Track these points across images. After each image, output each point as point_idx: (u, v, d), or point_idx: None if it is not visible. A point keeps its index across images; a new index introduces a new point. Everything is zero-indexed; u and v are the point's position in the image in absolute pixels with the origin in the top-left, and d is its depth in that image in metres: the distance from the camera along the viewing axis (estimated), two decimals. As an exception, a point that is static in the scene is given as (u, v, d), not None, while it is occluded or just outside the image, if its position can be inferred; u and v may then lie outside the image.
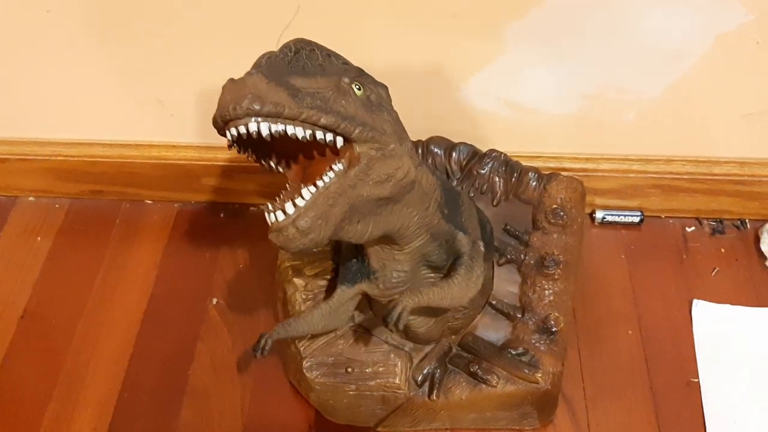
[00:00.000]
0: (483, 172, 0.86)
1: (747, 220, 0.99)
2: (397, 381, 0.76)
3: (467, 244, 0.71)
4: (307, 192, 0.57)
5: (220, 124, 0.56)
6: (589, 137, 0.93)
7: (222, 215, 1.03)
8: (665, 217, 1.00)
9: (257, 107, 0.53)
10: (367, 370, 0.76)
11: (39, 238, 1.02)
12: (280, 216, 0.56)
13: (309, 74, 0.57)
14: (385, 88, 0.65)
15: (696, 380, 0.85)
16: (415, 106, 0.90)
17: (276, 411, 0.84)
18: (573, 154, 0.94)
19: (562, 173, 0.87)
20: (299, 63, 0.58)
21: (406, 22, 0.82)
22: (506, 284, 0.82)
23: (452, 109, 0.90)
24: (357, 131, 0.58)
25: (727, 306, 0.90)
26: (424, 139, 0.89)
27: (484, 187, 0.86)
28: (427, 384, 0.77)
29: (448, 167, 0.88)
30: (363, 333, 0.78)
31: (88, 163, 1.00)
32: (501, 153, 0.87)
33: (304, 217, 0.56)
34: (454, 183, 0.87)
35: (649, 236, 0.98)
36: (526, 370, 0.76)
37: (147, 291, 0.95)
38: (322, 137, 0.56)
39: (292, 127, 0.55)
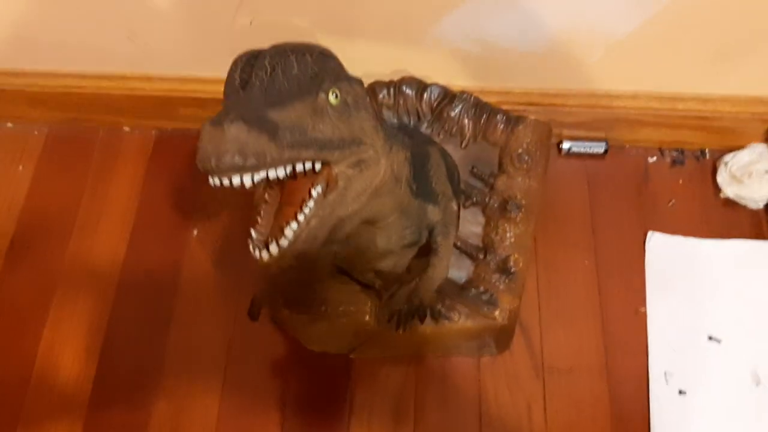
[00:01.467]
0: (453, 114, 0.89)
1: (707, 151, 1.03)
2: (366, 318, 0.82)
3: (438, 214, 0.76)
4: (290, 230, 0.58)
5: (202, 172, 0.55)
6: (558, 74, 0.94)
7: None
8: (629, 147, 1.04)
9: (240, 162, 0.52)
10: (339, 309, 0.82)
11: (20, 167, 1.04)
12: (265, 255, 0.58)
13: (286, 100, 0.57)
14: (360, 83, 0.64)
15: (643, 309, 0.92)
16: (388, 46, 0.91)
17: (258, 338, 0.90)
18: (542, 90, 0.96)
19: (530, 116, 0.90)
20: (275, 86, 0.57)
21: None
22: (471, 225, 0.87)
23: (424, 48, 0.91)
24: (335, 155, 0.59)
25: (679, 237, 0.96)
26: (396, 79, 0.90)
27: (454, 129, 0.89)
28: (394, 319, 0.84)
29: (419, 108, 0.90)
30: (336, 274, 0.84)
31: (63, 93, 1.00)
32: (471, 95, 0.89)
33: (286, 257, 0.58)
34: (425, 125, 0.89)
35: (612, 167, 1.02)
36: (485, 308, 0.82)
37: (129, 222, 0.99)
38: (301, 168, 0.57)
39: (273, 171, 0.55)
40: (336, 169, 0.60)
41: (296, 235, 0.59)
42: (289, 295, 0.83)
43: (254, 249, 0.59)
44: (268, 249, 0.58)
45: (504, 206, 0.86)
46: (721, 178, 0.99)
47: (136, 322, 0.92)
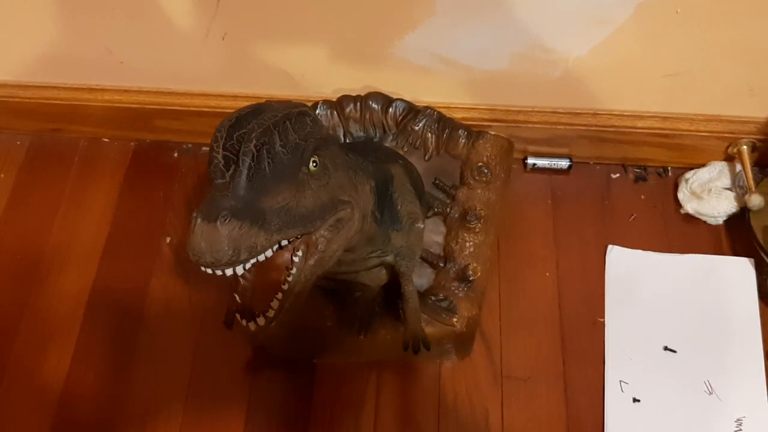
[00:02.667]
0: (417, 128, 0.92)
1: (669, 168, 1.06)
2: (329, 323, 0.85)
3: (401, 240, 0.79)
4: (275, 302, 0.63)
5: (196, 264, 0.58)
6: (520, 91, 0.98)
7: (175, 154, 1.09)
8: (593, 163, 1.07)
9: (235, 258, 0.56)
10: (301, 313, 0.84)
11: (2, 175, 1.07)
12: (252, 326, 0.63)
13: (271, 184, 0.58)
14: (336, 140, 0.68)
15: (602, 320, 0.94)
16: (354, 62, 0.95)
17: (224, 343, 0.93)
18: (506, 106, 1.00)
19: (490, 132, 0.93)
20: (261, 168, 0.58)
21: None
22: (432, 235, 0.90)
23: (389, 65, 0.94)
24: (316, 226, 0.62)
25: (639, 251, 0.99)
26: (362, 94, 0.93)
27: (418, 142, 0.92)
28: (356, 325, 0.86)
29: (384, 122, 0.93)
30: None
31: (44, 104, 1.04)
32: (434, 110, 0.92)
33: (273, 326, 0.63)
34: (390, 138, 0.92)
35: (576, 182, 1.05)
36: (444, 315, 0.85)
37: (104, 229, 1.02)
38: (286, 242, 0.61)
39: (263, 255, 0.58)
40: (315, 235, 0.63)
41: (281, 304, 0.63)
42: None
43: (242, 319, 0.63)
44: (255, 320, 0.63)
45: (464, 217, 0.89)
46: (682, 194, 1.02)
47: (106, 328, 0.94)
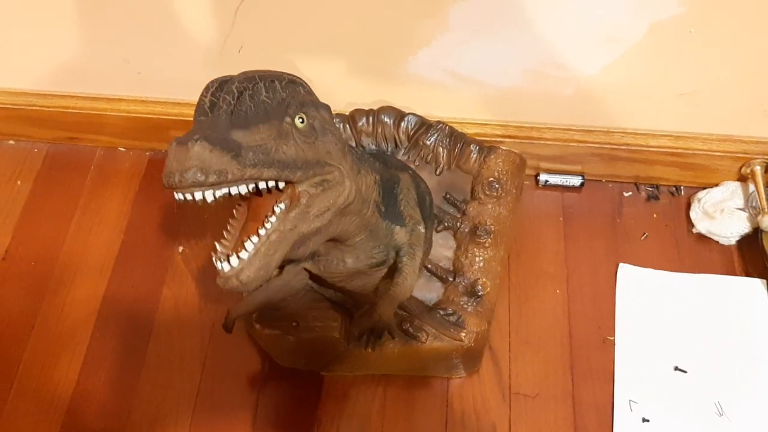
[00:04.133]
0: (428, 143, 0.92)
1: (682, 187, 1.06)
2: (336, 335, 0.85)
3: (405, 236, 0.79)
4: (250, 243, 0.61)
5: (167, 188, 0.58)
6: (533, 108, 0.98)
7: (190, 165, 1.10)
8: (605, 181, 1.06)
9: (201, 178, 0.55)
10: (309, 324, 0.85)
11: (19, 182, 1.09)
12: (226, 267, 0.61)
13: (251, 123, 0.59)
14: (327, 108, 0.68)
15: (612, 338, 0.94)
16: (368, 76, 0.95)
17: (233, 353, 0.93)
18: (518, 123, 1.00)
19: (502, 147, 0.93)
20: (242, 109, 0.60)
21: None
22: (442, 249, 0.90)
23: (403, 80, 0.95)
24: (297, 175, 0.61)
25: (650, 270, 0.98)
26: (375, 108, 0.94)
27: (429, 157, 0.93)
28: (364, 338, 0.86)
29: (396, 136, 0.93)
30: (309, 290, 0.87)
31: (62, 113, 1.05)
32: (446, 125, 0.93)
33: (246, 271, 0.61)
34: (402, 152, 0.93)
35: (588, 199, 1.05)
36: (452, 330, 0.85)
37: (118, 237, 1.03)
38: (265, 186, 0.61)
39: (236, 187, 0.58)
40: (299, 188, 0.63)
41: (257, 248, 0.61)
42: (261, 309, 0.86)
43: (216, 261, 0.62)
44: (229, 261, 0.61)
45: (474, 231, 0.89)
46: (694, 213, 1.02)
47: (118, 335, 0.95)
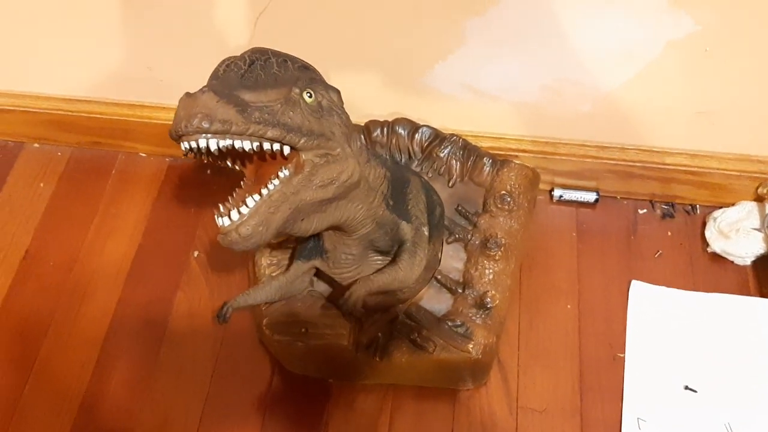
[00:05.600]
0: (442, 155, 0.93)
1: (698, 206, 1.05)
2: (345, 343, 0.85)
3: (410, 232, 0.79)
4: (251, 200, 0.63)
5: (174, 137, 0.61)
6: (548, 123, 0.98)
7: (208, 172, 1.11)
8: (620, 198, 1.06)
9: (206, 125, 0.58)
10: (318, 332, 0.86)
11: (42, 184, 1.11)
12: (226, 221, 0.62)
13: (260, 87, 0.62)
14: (337, 92, 0.70)
15: (622, 355, 0.93)
16: (384, 89, 0.97)
17: (243, 358, 0.94)
18: (533, 137, 1.00)
19: (515, 160, 0.94)
20: (252, 75, 0.63)
21: (377, 11, 0.87)
22: (452, 261, 0.90)
23: (419, 92, 0.96)
24: (301, 141, 0.63)
25: (663, 288, 0.98)
26: (390, 120, 0.95)
27: (442, 169, 0.93)
28: (373, 346, 0.87)
29: (410, 148, 0.94)
30: (319, 298, 0.88)
31: (86, 118, 1.08)
32: (460, 138, 0.93)
33: (246, 225, 0.62)
34: (415, 164, 0.94)
35: (602, 216, 1.05)
36: (460, 341, 0.85)
37: (136, 241, 1.05)
38: (269, 148, 0.62)
39: (239, 141, 0.60)
40: (304, 156, 0.64)
41: (257, 204, 0.63)
42: (272, 314, 0.87)
43: (217, 217, 0.63)
44: (230, 216, 0.62)
45: (485, 244, 0.89)
46: (710, 233, 1.01)
47: (131, 337, 0.97)
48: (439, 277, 0.89)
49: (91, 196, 1.09)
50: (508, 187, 0.92)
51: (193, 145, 0.59)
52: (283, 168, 0.64)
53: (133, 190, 1.10)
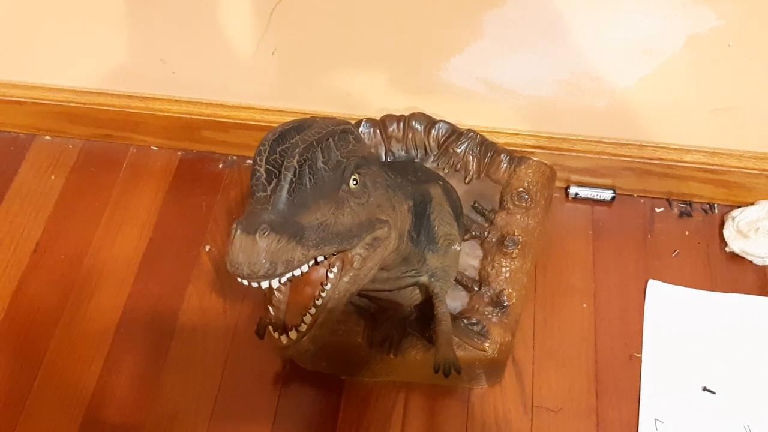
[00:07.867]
0: (458, 151, 0.92)
1: (716, 205, 1.04)
2: (359, 339, 0.84)
3: (438, 260, 0.80)
4: (308, 316, 0.64)
5: (233, 275, 0.59)
6: (565, 119, 0.97)
7: (220, 165, 1.10)
8: (637, 196, 1.05)
9: (271, 271, 0.57)
10: (332, 328, 0.84)
11: (53, 176, 1.10)
12: (284, 339, 0.64)
13: (312, 200, 0.60)
14: (377, 159, 0.69)
15: (639, 355, 0.92)
16: (400, 83, 0.95)
17: (255, 354, 0.93)
18: (550, 134, 0.99)
19: (533, 157, 0.92)
20: (302, 183, 0.59)
21: (395, 1, 0.86)
22: (468, 258, 0.89)
23: (435, 87, 0.95)
24: (353, 244, 0.63)
25: (680, 288, 0.96)
26: (406, 114, 0.94)
27: (459, 165, 0.92)
28: (386, 343, 0.86)
29: (426, 143, 0.93)
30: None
31: (98, 110, 1.07)
32: (477, 134, 0.92)
33: (304, 342, 0.64)
34: (431, 160, 0.92)
35: (619, 214, 1.04)
36: (476, 339, 0.84)
37: (146, 234, 1.04)
38: (322, 258, 0.62)
39: (299, 270, 0.60)
40: (352, 252, 0.64)
41: (314, 319, 0.64)
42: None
43: (274, 332, 0.64)
44: (287, 333, 0.64)
45: (502, 241, 0.88)
46: (728, 232, 1.00)
47: (142, 330, 0.96)
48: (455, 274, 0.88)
49: (102, 189, 1.08)
50: (526, 184, 0.90)
51: (254, 284, 0.59)
52: (331, 267, 0.64)
53: (144, 183, 1.09)
